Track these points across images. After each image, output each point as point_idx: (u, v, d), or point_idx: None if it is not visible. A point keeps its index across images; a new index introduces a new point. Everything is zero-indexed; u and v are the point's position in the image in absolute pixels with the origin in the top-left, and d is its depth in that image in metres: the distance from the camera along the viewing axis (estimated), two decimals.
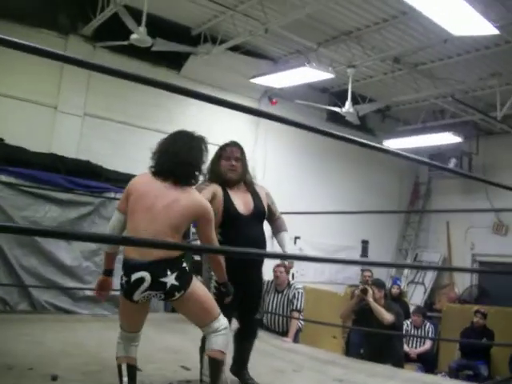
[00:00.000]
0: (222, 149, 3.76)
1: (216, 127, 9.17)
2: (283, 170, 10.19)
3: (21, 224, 6.27)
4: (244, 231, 3.54)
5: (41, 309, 6.37)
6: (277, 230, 3.94)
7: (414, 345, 7.57)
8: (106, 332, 5.31)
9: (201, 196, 3.09)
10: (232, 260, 3.28)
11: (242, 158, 3.75)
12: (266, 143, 9.93)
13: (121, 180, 7.25)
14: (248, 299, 3.70)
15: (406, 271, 12.65)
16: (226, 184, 3.66)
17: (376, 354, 5.56)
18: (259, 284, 3.88)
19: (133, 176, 7.32)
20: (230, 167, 3.67)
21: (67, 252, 6.67)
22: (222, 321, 3.09)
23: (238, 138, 9.38)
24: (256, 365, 3.95)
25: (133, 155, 7.90)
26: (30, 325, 5.51)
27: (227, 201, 3.60)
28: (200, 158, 3.12)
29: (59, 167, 6.98)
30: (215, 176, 3.67)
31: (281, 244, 3.93)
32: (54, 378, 3.43)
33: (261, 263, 3.83)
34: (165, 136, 8.76)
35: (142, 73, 1.77)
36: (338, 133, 2.19)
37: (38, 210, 6.56)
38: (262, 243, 3.66)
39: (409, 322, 7.55)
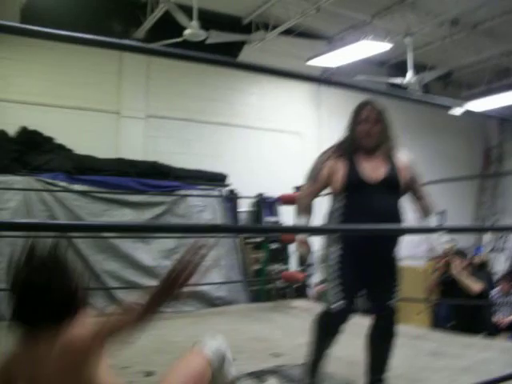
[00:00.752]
0: (357, 112, 3.21)
1: (277, 114, 9.21)
2: None
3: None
4: (369, 201, 3.02)
5: None
6: (421, 212, 3.28)
7: (505, 313, 7.33)
8: (191, 327, 5.39)
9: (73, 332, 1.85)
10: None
11: (381, 120, 3.16)
12: (329, 124, 9.78)
13: (189, 177, 7.34)
14: (376, 281, 3.11)
15: (486, 239, 12.28)
16: (359, 150, 3.14)
17: (467, 325, 5.42)
18: (390, 262, 3.17)
19: (200, 172, 7.48)
20: (366, 133, 3.12)
21: (146, 253, 6.79)
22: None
23: (301, 122, 9.45)
24: (345, 345, 3.90)
25: (198, 151, 8.00)
26: None
27: (352, 168, 3.09)
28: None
29: (128, 171, 7.08)
30: (348, 143, 3.18)
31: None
32: (149, 374, 3.48)
33: (395, 238, 3.14)
34: (227, 128, 8.77)
35: (198, 68, 1.74)
36: (402, 94, 2.12)
37: (113, 214, 6.70)
38: (392, 216, 3.06)
39: (496, 290, 7.32)
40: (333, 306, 3.08)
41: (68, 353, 1.82)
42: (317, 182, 3.19)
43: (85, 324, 1.89)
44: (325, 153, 3.23)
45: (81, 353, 1.83)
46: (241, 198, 7.79)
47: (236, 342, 3.61)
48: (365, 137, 3.14)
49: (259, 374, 3.66)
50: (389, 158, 3.20)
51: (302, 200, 3.25)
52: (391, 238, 3.13)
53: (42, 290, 1.87)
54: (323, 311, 3.22)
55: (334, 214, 3.16)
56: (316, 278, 7.11)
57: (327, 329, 3.21)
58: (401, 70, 9.32)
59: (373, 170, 3.12)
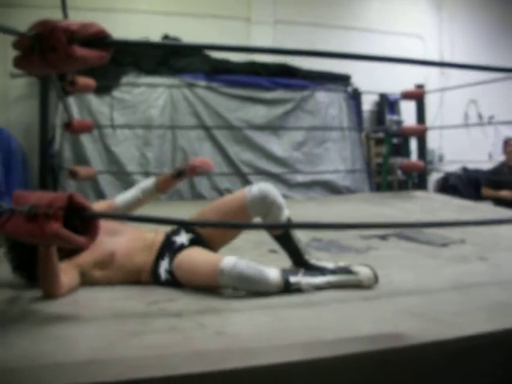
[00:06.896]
0: None
1: (399, 19, 9.39)
2: (474, 55, 9.99)
3: (235, 124, 7.25)
4: None
5: None
6: None
7: None
8: (320, 208, 6.09)
9: None
10: None
11: None
12: (451, 27, 9.85)
13: (316, 77, 7.85)
14: None
15: None
16: None
17: None
18: None
19: (326, 72, 7.90)
20: None
21: (278, 145, 7.50)
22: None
23: (422, 25, 9.54)
24: None
25: None
26: None
27: None
28: None
29: (260, 72, 7.67)
30: None
31: None
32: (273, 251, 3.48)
33: None
34: (351, 32, 8.95)
35: None
36: None
37: (248, 110, 7.41)
38: None
39: None
40: None
41: None
42: None
43: None
44: None
45: None
46: (365, 93, 8.20)
47: (360, 218, 4.19)
48: None
49: (383, 236, 4.22)
50: None
51: None
52: None
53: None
54: None
55: None
56: None
57: None
58: None
59: None
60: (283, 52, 2.66)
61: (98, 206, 2.83)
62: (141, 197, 2.86)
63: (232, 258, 2.40)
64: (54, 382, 1.44)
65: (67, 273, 2.39)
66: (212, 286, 2.46)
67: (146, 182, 2.91)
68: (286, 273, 2.48)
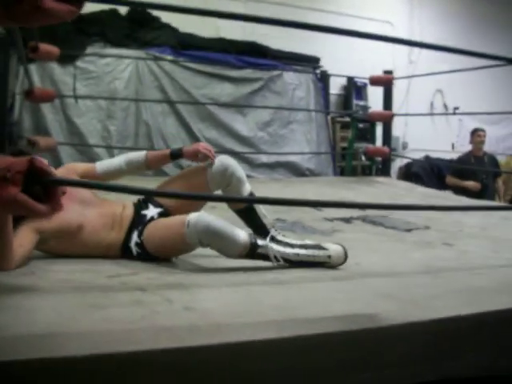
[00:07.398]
0: None
1: (369, 4, 9.36)
2: (444, 43, 9.95)
3: (201, 100, 7.11)
4: None
5: None
6: None
7: None
8: (283, 189, 6.04)
9: None
10: None
11: None
12: (421, 16, 9.86)
13: (285, 57, 7.78)
14: None
15: None
16: None
17: None
18: None
19: (295, 54, 7.80)
20: None
21: (243, 124, 7.41)
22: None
23: (392, 12, 9.52)
24: None
25: (293, 35, 8.31)
26: None
27: None
28: None
29: (229, 49, 7.55)
30: None
31: None
32: None
33: None
34: (321, 14, 8.96)
35: None
36: None
37: (214, 87, 7.28)
38: None
39: None
40: None
41: None
42: None
43: None
44: None
45: None
46: (333, 75, 8.15)
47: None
48: None
49: (348, 219, 4.20)
50: None
51: None
52: None
53: None
54: None
55: None
56: None
57: None
58: None
59: None
60: (248, 19, 2.52)
61: (76, 166, 2.72)
62: (125, 169, 2.67)
63: (198, 212, 2.37)
64: (14, 355, 1.34)
65: (23, 241, 2.19)
66: (181, 245, 2.40)
67: (136, 155, 2.71)
68: (254, 236, 2.42)
